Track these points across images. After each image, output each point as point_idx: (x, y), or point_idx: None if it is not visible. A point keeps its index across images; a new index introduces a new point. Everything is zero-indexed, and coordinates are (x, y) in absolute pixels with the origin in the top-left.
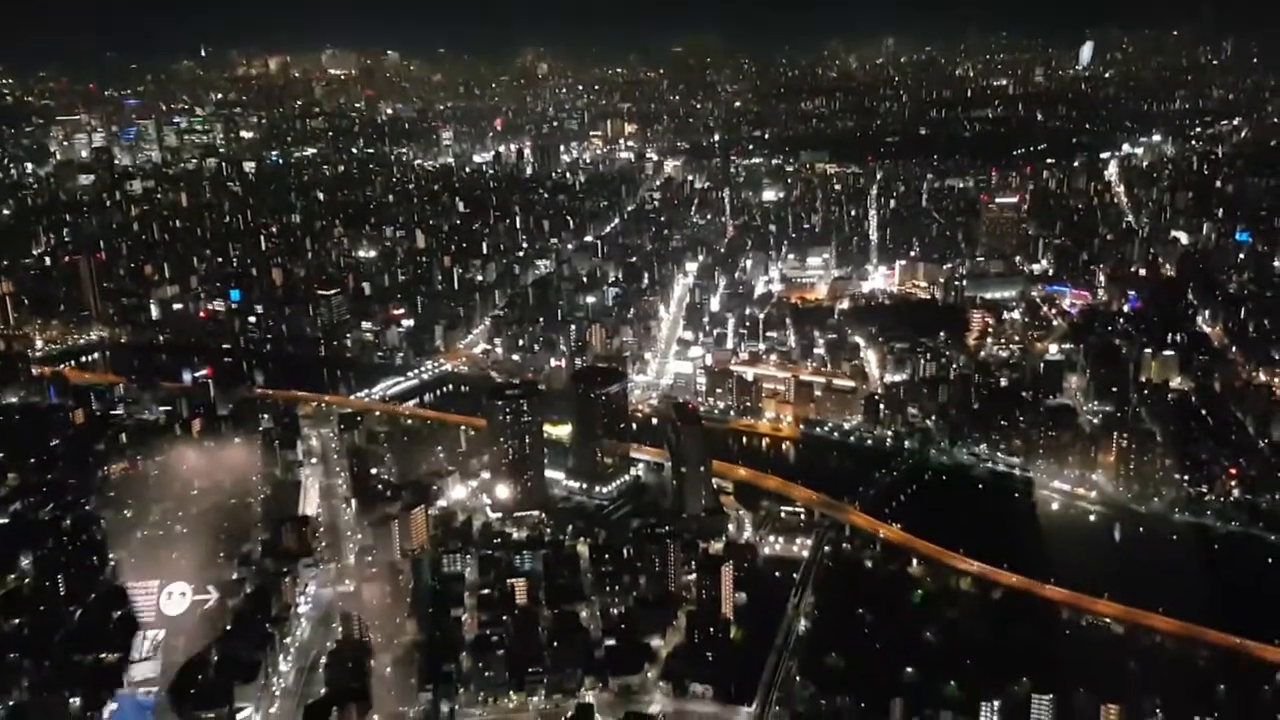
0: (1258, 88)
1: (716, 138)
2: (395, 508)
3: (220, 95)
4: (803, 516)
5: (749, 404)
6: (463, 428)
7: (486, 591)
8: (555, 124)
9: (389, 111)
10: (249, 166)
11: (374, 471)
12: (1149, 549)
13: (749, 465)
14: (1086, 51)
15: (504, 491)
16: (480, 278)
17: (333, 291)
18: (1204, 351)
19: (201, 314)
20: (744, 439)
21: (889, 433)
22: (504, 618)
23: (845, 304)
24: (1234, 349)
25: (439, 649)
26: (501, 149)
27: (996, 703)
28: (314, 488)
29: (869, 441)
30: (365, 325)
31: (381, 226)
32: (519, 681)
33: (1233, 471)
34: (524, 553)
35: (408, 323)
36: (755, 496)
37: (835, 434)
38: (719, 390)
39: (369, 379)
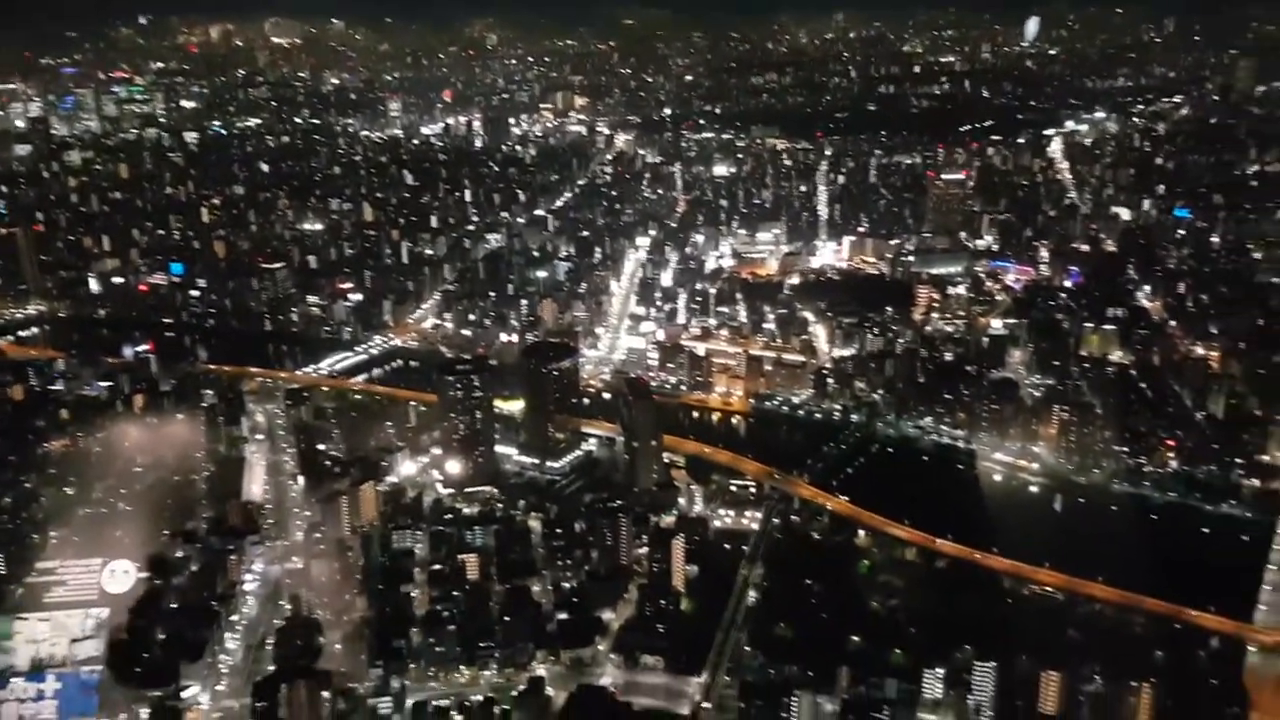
0: (1198, 65)
1: (668, 112)
2: (344, 484)
3: (161, 64)
4: (753, 490)
5: (700, 379)
6: (412, 403)
7: (437, 567)
8: (505, 96)
9: (334, 82)
10: (190, 137)
11: (321, 448)
12: (1089, 519)
13: (700, 439)
14: (1032, 26)
15: (455, 467)
16: (430, 252)
17: (277, 265)
18: (1143, 326)
19: (142, 288)
20: (695, 413)
21: (837, 406)
22: (455, 593)
23: (795, 279)
24: (1172, 323)
25: (389, 625)
26: (450, 121)
27: (940, 670)
28: (260, 464)
29: (817, 415)
30: (311, 299)
31: (327, 199)
32: (470, 656)
33: (1170, 443)
34: (475, 528)
35: (355, 297)
36: (706, 470)
37: (785, 408)
38: (670, 365)
39: (316, 354)
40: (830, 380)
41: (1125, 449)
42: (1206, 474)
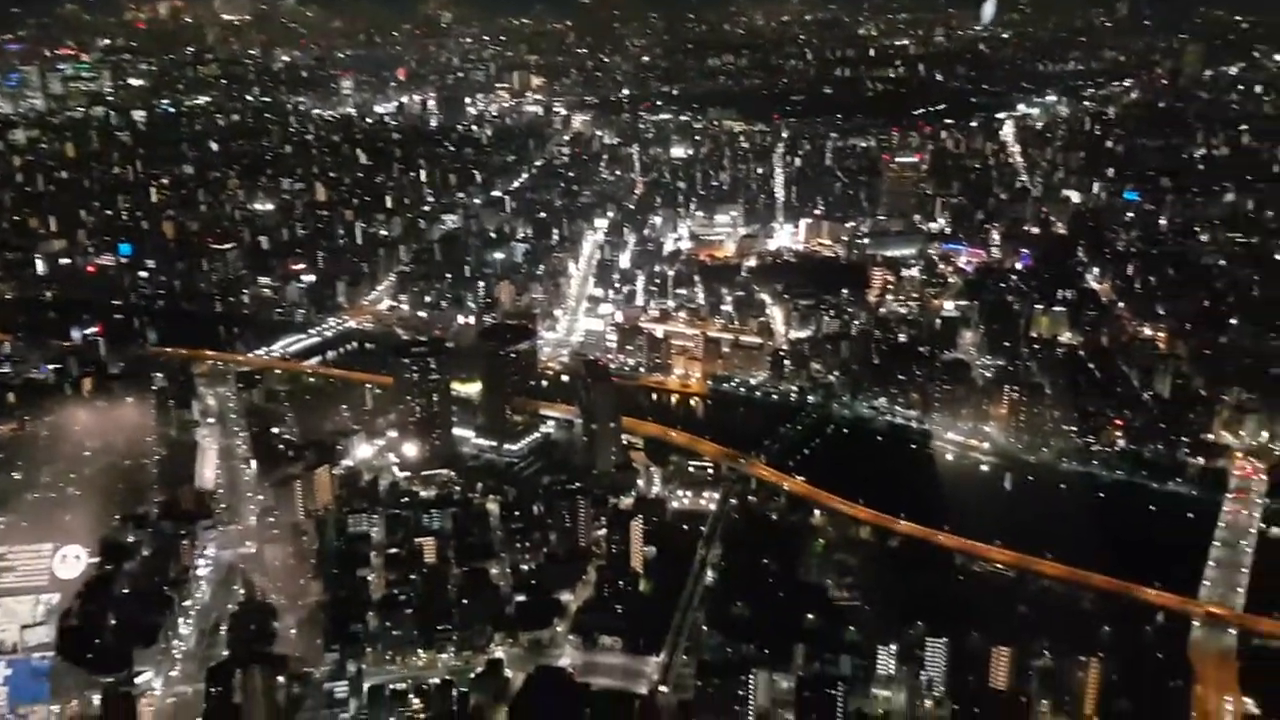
0: (1148, 49)
1: (625, 93)
2: (298, 468)
3: (108, 40)
4: (710, 471)
5: (658, 361)
6: (368, 386)
7: (394, 551)
8: (460, 75)
9: (285, 59)
10: (139, 115)
11: (275, 431)
12: (1038, 497)
13: (658, 421)
14: (989, 9)
15: (411, 450)
16: (384, 232)
17: (228, 245)
18: (1092, 307)
19: (90, 269)
20: (653, 395)
21: (794, 388)
22: (412, 576)
23: (752, 261)
24: (1121, 305)
25: (345, 609)
26: (405, 100)
27: (893, 646)
28: (212, 448)
29: (774, 397)
30: (263, 281)
31: (279, 178)
32: (428, 639)
33: (1118, 423)
34: (432, 511)
35: (308, 278)
36: (664, 452)
37: (742, 389)
38: (629, 347)
39: (268, 336)
40: (787, 362)
41: (1074, 428)
42: (1153, 453)
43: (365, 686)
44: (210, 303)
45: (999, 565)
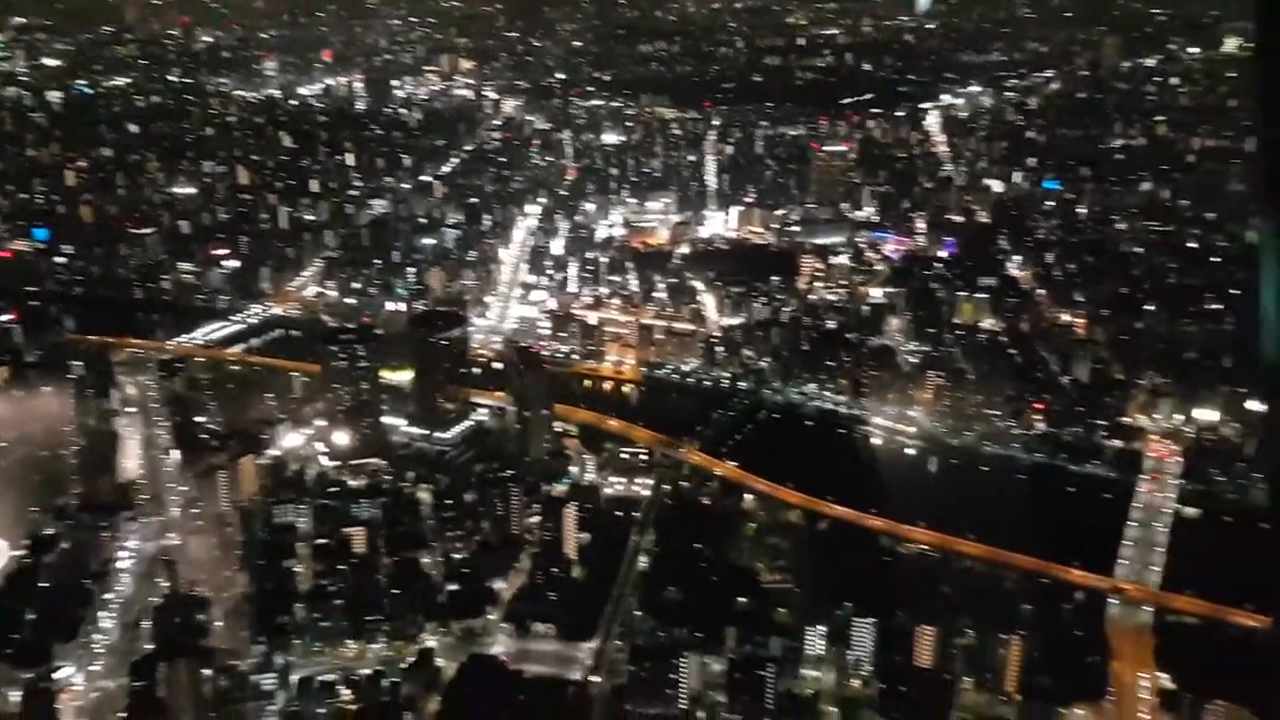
0: (1069, 41)
1: (556, 78)
2: (221, 458)
3: (21, 19)
4: (644, 457)
5: (591, 347)
6: (294, 374)
7: (322, 541)
8: (388, 57)
9: (207, 39)
10: (54, 96)
11: (198, 420)
12: (961, 479)
13: (591, 408)
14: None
15: (340, 439)
16: (310, 217)
17: (148, 230)
18: (1013, 294)
19: (4, 254)
20: (587, 382)
21: (726, 374)
22: (340, 567)
23: (685, 248)
24: (1041, 291)
25: (271, 601)
26: (331, 82)
27: (822, 628)
28: (133, 438)
29: (707, 383)
30: (184, 266)
31: (200, 161)
32: (358, 630)
33: (1038, 406)
34: (362, 501)
35: (231, 264)
36: (598, 439)
37: (675, 376)
38: (562, 334)
39: (189, 323)
40: (719, 348)
41: (996, 412)
42: (1072, 435)
43: (294, 678)
44: (130, 289)
45: (924, 546)
